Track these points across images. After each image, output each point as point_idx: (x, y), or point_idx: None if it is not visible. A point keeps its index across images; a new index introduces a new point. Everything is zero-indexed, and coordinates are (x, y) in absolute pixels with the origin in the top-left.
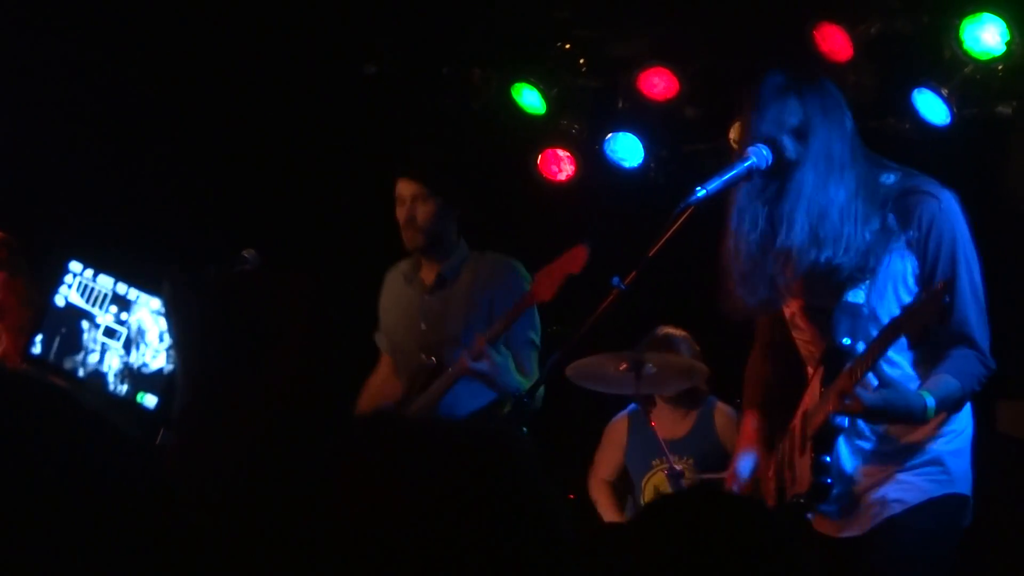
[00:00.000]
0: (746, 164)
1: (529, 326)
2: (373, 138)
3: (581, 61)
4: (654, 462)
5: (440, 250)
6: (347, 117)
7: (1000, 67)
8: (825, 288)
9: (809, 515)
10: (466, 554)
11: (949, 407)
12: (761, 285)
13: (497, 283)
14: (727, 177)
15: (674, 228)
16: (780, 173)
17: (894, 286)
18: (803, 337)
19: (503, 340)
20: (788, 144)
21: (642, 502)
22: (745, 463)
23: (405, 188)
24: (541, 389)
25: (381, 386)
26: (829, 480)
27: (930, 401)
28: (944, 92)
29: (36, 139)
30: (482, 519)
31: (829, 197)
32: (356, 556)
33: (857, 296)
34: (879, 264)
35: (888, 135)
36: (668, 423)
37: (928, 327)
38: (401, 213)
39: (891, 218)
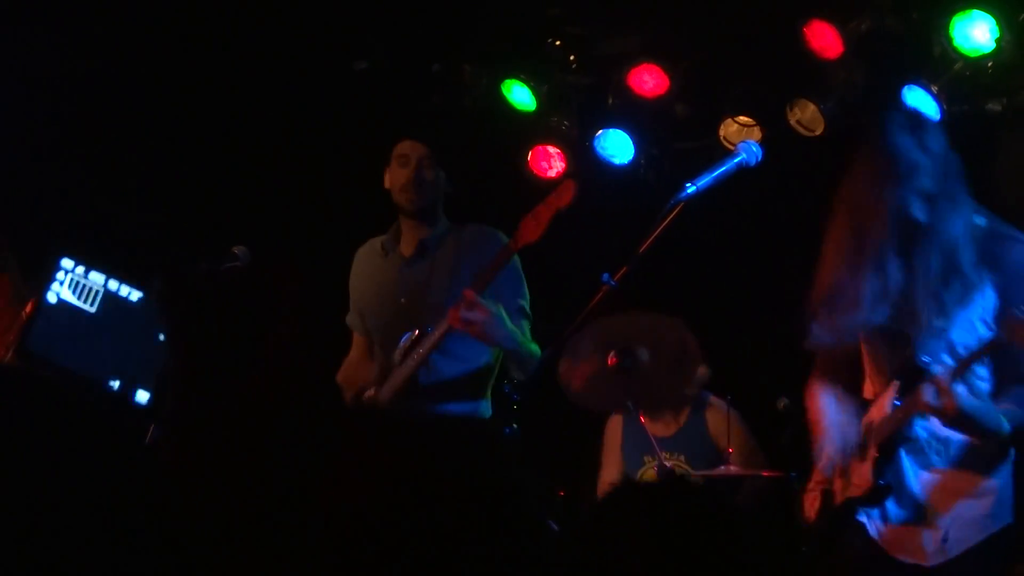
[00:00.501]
0: (736, 160)
1: (519, 294)
2: (364, 134)
3: (572, 58)
4: (646, 458)
5: (428, 219)
6: (338, 113)
7: (990, 64)
8: (912, 314)
9: (862, 518)
10: (451, 541)
11: (1009, 438)
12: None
13: (482, 252)
14: (717, 173)
15: (664, 224)
16: (910, 228)
17: (973, 318)
18: (875, 353)
19: (493, 297)
20: (916, 204)
21: None
22: (837, 433)
23: (412, 149)
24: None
25: (355, 369)
26: (885, 483)
27: (1006, 426)
28: (934, 89)
29: (27, 136)
30: (464, 508)
31: (953, 243)
32: (344, 545)
33: (941, 322)
34: (965, 295)
35: None
36: (660, 419)
37: (1019, 349)
38: (404, 174)
39: (980, 256)
